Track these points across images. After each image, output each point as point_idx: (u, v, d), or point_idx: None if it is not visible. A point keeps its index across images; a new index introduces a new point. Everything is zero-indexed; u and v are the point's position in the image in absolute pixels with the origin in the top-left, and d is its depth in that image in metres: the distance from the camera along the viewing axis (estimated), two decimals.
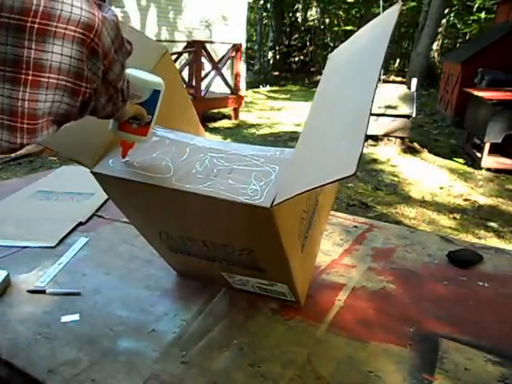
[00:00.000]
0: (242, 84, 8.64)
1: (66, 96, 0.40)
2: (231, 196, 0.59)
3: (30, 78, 0.37)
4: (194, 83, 6.35)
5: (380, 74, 0.52)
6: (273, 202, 0.57)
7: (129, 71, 0.58)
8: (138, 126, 0.62)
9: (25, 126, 0.38)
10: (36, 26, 0.36)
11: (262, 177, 0.62)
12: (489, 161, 4.34)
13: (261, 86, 12.81)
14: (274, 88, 12.90)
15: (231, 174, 0.63)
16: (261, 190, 0.59)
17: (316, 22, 18.12)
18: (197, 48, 6.38)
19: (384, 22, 0.62)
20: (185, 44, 7.05)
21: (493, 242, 2.81)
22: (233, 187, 0.61)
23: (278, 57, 17.26)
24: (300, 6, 18.02)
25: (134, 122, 0.62)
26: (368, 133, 0.52)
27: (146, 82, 0.61)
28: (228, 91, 7.07)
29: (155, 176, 0.64)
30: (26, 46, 0.36)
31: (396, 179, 4.14)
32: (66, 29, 0.38)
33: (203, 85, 6.42)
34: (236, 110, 7.30)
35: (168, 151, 0.68)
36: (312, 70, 17.28)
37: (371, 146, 5.15)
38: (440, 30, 10.17)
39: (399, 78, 13.07)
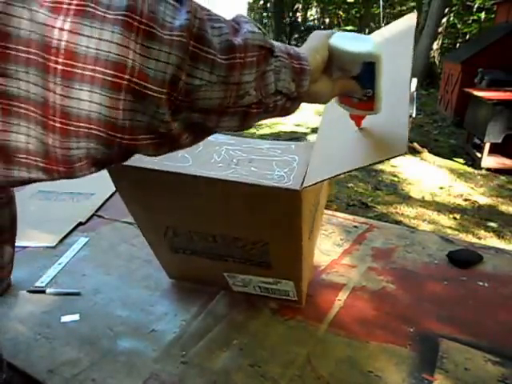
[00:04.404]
0: None
1: (101, 145, 0.35)
2: (258, 181, 0.60)
3: (57, 125, 0.33)
4: None
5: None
6: (301, 185, 0.58)
7: (334, 40, 0.50)
8: (359, 100, 0.54)
9: (60, 168, 0.35)
10: (59, 67, 0.31)
11: (284, 165, 0.63)
12: (489, 161, 4.34)
13: None
14: None
15: (252, 163, 0.64)
16: (287, 176, 0.61)
17: (316, 21, 18.12)
18: None
19: (402, 36, 0.62)
20: None
21: (493, 242, 2.81)
22: (258, 173, 0.61)
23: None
24: (300, 6, 18.03)
25: (352, 96, 0.54)
26: None
27: (352, 55, 0.50)
28: None
29: (174, 164, 0.64)
30: (52, 90, 0.32)
31: (396, 179, 4.14)
32: (94, 71, 0.32)
33: None
34: None
35: None
36: None
37: None
38: (440, 29, 10.17)
39: None
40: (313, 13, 18.34)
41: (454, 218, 3.22)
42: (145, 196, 0.71)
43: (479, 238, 2.87)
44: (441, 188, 3.91)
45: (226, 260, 0.75)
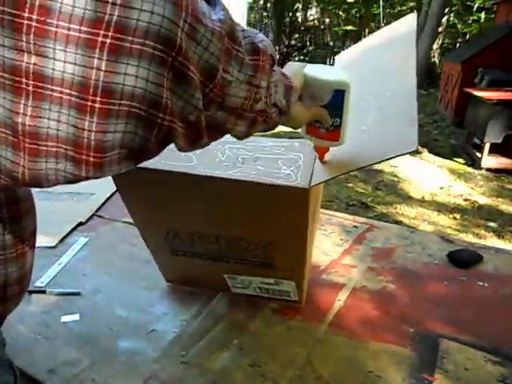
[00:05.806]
0: None
1: (139, 127, 0.33)
2: (266, 179, 0.60)
3: (97, 105, 0.31)
4: None
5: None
6: (309, 183, 0.58)
7: (307, 70, 0.52)
8: (326, 130, 0.56)
9: (91, 158, 0.33)
10: (108, 40, 0.29)
11: (290, 163, 0.63)
12: (489, 161, 4.33)
13: None
14: None
15: (257, 161, 0.64)
16: (294, 174, 0.61)
17: (316, 21, 18.13)
18: None
19: (403, 38, 0.63)
20: None
21: (493, 241, 2.81)
22: (264, 172, 0.61)
23: (278, 57, 17.24)
24: (300, 6, 18.03)
25: (320, 125, 0.56)
26: None
27: (324, 82, 0.53)
28: None
29: (179, 164, 0.63)
30: (96, 67, 0.30)
31: (396, 179, 4.14)
32: (143, 44, 0.30)
33: None
34: None
35: None
36: None
37: None
38: (440, 29, 10.16)
39: None
40: (313, 13, 18.33)
41: (454, 218, 3.22)
42: (148, 197, 0.71)
43: (479, 238, 2.87)
44: (441, 188, 3.91)
45: (228, 261, 0.75)
